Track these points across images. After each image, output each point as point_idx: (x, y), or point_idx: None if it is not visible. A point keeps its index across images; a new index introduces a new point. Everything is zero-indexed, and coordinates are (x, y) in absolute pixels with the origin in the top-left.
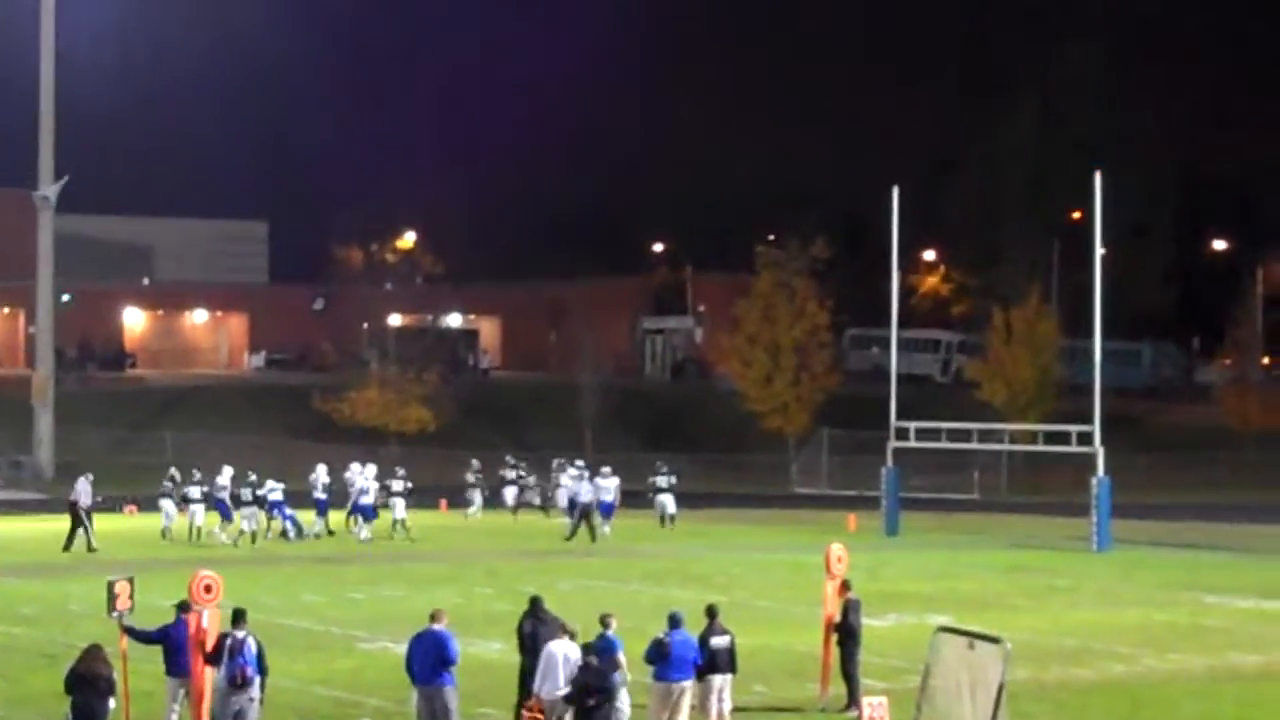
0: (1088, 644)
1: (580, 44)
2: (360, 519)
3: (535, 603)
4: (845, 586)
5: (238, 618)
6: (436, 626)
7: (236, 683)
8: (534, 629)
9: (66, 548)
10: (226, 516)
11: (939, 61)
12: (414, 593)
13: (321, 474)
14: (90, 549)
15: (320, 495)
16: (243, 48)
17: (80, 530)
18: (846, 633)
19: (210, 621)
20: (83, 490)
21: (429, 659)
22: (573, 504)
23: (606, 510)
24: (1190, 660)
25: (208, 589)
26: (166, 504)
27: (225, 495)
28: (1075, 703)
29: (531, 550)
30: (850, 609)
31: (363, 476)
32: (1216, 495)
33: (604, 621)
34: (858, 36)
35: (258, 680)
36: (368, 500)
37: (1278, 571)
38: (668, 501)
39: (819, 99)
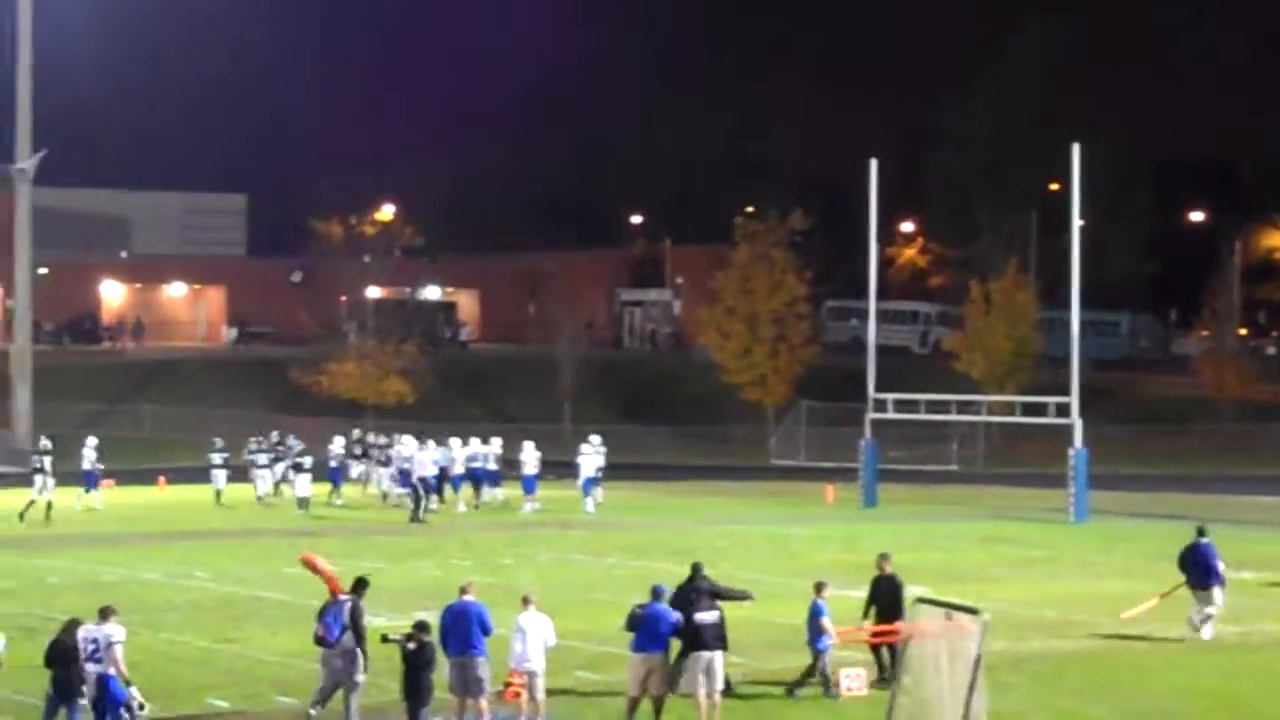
0: (1066, 615)
1: (558, 16)
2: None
3: (695, 569)
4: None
5: (357, 585)
6: (469, 598)
7: (315, 639)
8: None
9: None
10: (337, 483)
11: (917, 33)
12: (391, 565)
13: (337, 445)
14: (418, 519)
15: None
16: (222, 21)
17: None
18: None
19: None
20: (418, 462)
21: (462, 630)
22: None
23: (589, 483)
24: (1168, 630)
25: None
26: (263, 472)
27: (336, 463)
28: (1053, 674)
29: (507, 523)
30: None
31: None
32: (1193, 466)
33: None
34: (836, 8)
35: (335, 642)
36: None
37: (1254, 542)
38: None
39: (797, 71)
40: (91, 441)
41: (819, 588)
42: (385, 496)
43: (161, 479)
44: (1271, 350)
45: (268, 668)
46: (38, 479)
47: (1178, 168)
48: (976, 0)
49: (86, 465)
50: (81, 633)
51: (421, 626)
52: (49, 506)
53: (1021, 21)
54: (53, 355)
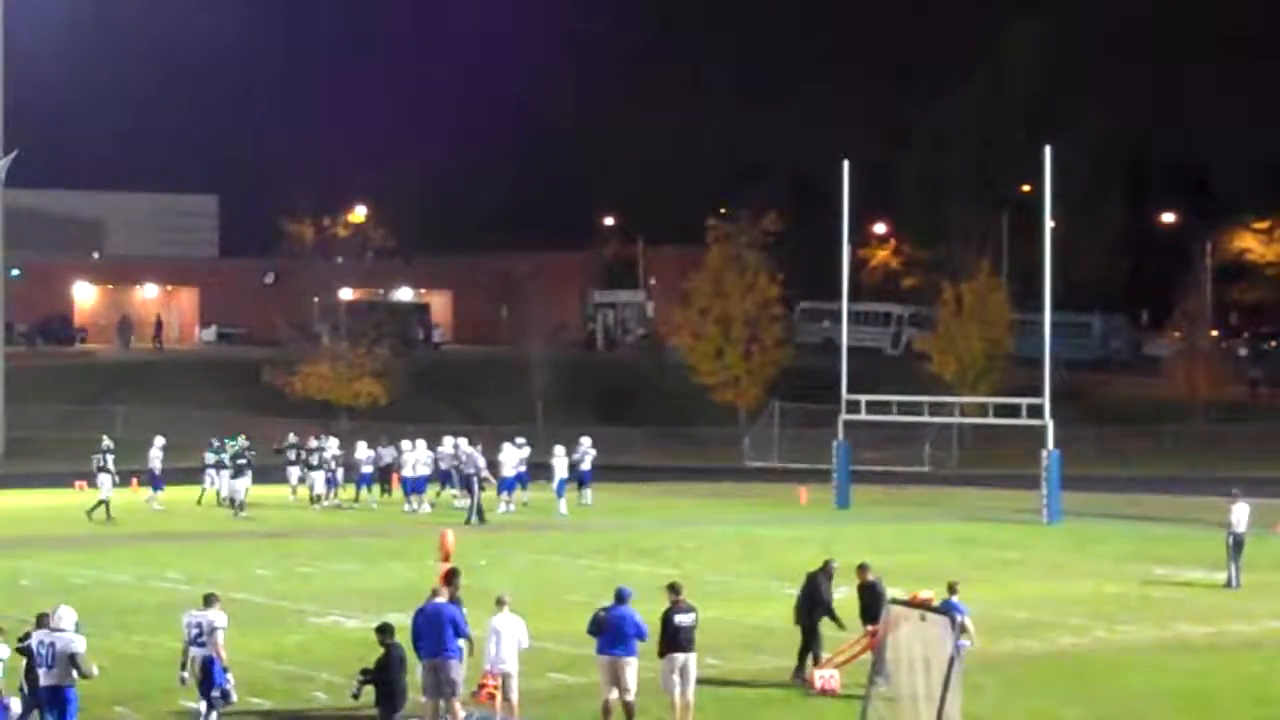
0: (1038, 616)
1: (530, 17)
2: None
3: (826, 564)
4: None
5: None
6: (441, 600)
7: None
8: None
9: (468, 520)
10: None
11: (888, 35)
12: (365, 567)
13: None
14: (468, 520)
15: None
16: (193, 22)
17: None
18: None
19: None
20: (473, 456)
21: (435, 632)
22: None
23: (563, 484)
24: (1140, 632)
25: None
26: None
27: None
28: (1026, 674)
29: (481, 524)
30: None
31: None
32: (1165, 467)
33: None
34: (807, 9)
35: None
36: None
37: (1225, 543)
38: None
39: (769, 72)
40: (159, 442)
41: (952, 588)
42: (317, 499)
43: (134, 480)
44: (1243, 351)
45: (239, 669)
46: (101, 478)
47: (1149, 169)
48: (949, 4)
49: (153, 465)
50: (186, 617)
51: (384, 630)
52: (106, 505)
53: (995, 25)
54: (25, 357)
